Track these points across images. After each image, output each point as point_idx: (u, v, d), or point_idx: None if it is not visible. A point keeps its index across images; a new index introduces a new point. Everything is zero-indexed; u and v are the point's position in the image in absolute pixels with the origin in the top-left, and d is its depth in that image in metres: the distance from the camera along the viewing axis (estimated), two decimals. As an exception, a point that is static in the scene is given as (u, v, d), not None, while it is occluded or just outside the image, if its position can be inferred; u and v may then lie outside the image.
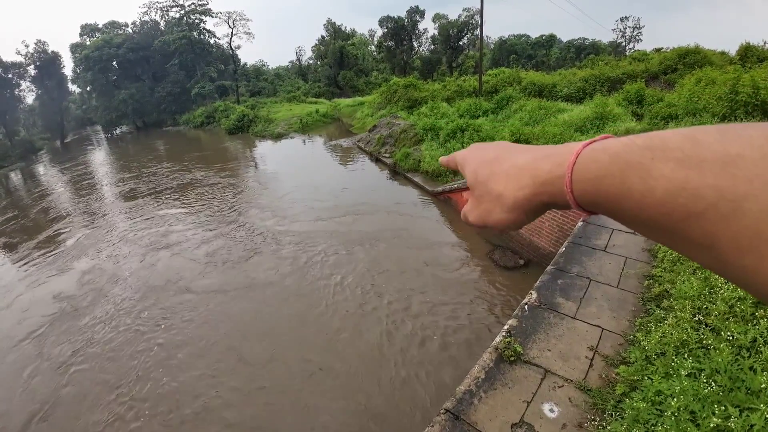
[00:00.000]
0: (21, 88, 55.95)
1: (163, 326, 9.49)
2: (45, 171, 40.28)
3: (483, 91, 23.99)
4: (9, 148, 50.29)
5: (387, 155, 20.36)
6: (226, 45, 57.15)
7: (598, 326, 5.23)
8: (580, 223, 7.69)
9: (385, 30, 62.73)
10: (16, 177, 40.24)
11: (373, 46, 70.42)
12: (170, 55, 52.51)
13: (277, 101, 45.20)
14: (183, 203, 19.11)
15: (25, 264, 14.98)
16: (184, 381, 7.63)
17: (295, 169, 22.30)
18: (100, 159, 40.07)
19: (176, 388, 7.47)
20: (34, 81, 55.83)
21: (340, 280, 10.68)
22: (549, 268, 6.77)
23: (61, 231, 18.22)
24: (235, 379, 7.52)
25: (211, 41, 55.89)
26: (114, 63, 54.17)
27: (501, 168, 0.58)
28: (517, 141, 15.01)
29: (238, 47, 77.38)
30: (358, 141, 24.73)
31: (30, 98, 60.00)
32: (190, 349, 8.56)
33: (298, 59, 76.01)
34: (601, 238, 7.45)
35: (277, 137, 30.98)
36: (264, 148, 29.45)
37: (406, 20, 61.97)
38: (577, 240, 7.48)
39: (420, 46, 67.85)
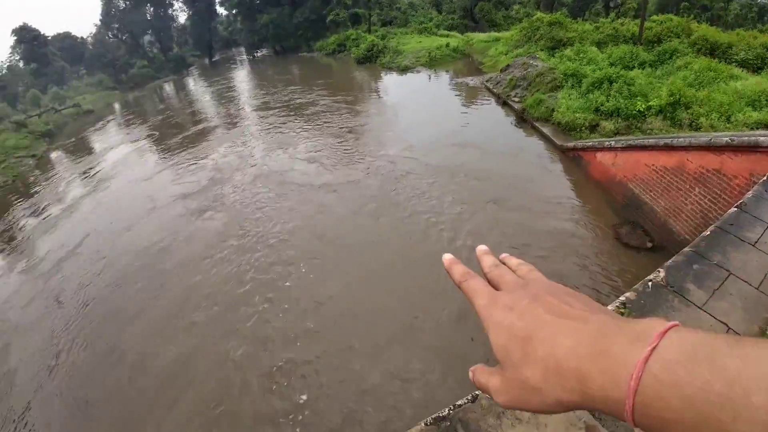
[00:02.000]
0: (174, 8, 61.28)
1: (269, 200, 12.96)
2: (194, 83, 44.88)
3: (643, 39, 20.84)
4: (163, 62, 56.32)
5: (516, 99, 18.93)
6: (364, -29, 56.17)
7: (725, 323, 4.56)
8: (733, 210, 6.59)
9: (534, -42, 56.67)
10: (169, 87, 45.62)
11: (517, -24, 64.46)
12: (310, -20, 53.06)
13: (407, 32, 43.80)
14: (305, 119, 21.40)
15: (177, 150, 20.32)
16: (275, 231, 11.14)
17: (415, 103, 21.96)
18: (241, 77, 43.71)
19: (271, 232, 11.12)
20: (186, 2, 60.33)
21: (428, 202, 11.47)
22: (686, 249, 5.95)
23: (206, 129, 23.44)
24: (305, 240, 10.51)
25: (349, -34, 55.18)
26: (257, -13, 56.18)
27: (536, 354, 0.47)
28: (676, 103, 12.90)
29: (375, -27, 75.67)
30: (486, 81, 23.25)
31: (182, 18, 65.40)
32: (284, 216, 11.81)
33: (435, -13, 72.48)
34: (754, 231, 6.33)
35: (404, 70, 30.30)
36: (389, 80, 29.22)
37: (560, -53, 55.23)
38: (726, 227, 6.43)
39: (573, -22, 60.51)
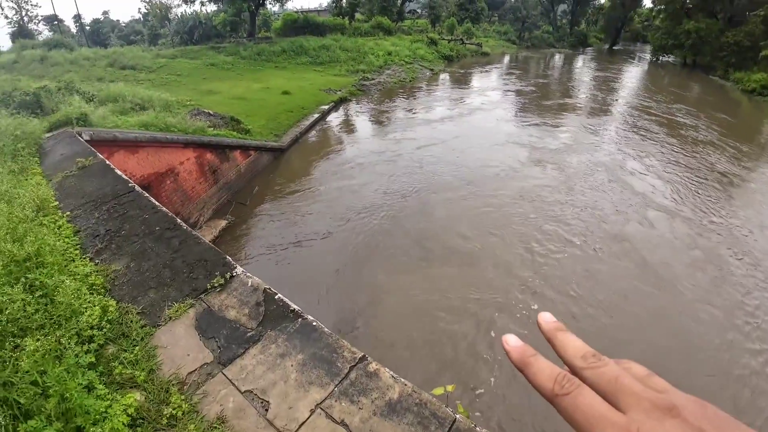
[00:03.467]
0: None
1: (599, 187, 12.98)
2: (583, 63, 44.41)
3: None
4: (566, 34, 57.07)
5: None
6: None
7: None
8: None
9: None
10: (558, 58, 46.71)
11: None
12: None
13: None
14: (677, 137, 19.12)
15: (539, 111, 22.49)
16: (589, 211, 11.58)
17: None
18: (633, 73, 41.00)
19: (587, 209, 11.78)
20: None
21: None
22: None
23: (572, 105, 24.34)
24: (600, 238, 10.35)
25: None
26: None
27: None
28: None
29: None
30: None
31: (603, -1, 63.16)
32: (602, 206, 11.80)
33: None
34: None
35: None
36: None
37: None
38: None
39: None
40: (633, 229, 10.63)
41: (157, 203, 5.34)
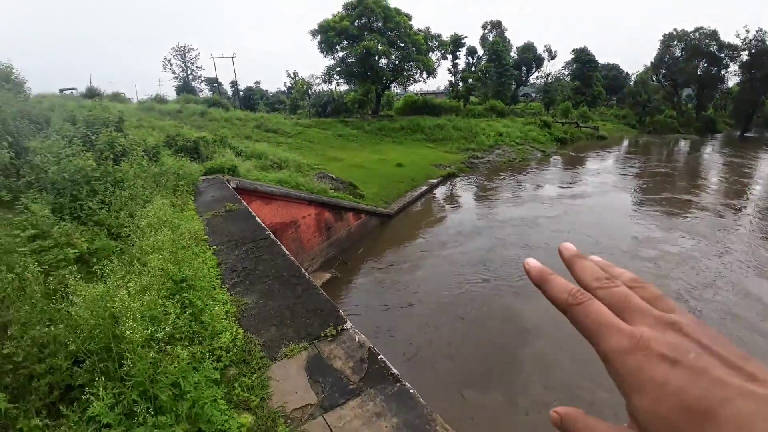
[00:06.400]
0: (728, 69, 55.84)
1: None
2: (711, 151, 40.54)
3: None
4: (692, 119, 53.51)
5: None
6: None
7: None
8: None
9: None
10: (683, 144, 43.50)
11: None
12: None
13: None
14: None
15: (655, 203, 19.57)
16: None
17: None
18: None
19: None
20: (742, 67, 53.60)
21: None
22: None
23: (695, 202, 20.06)
24: None
25: None
26: None
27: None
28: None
29: None
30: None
31: (731, 82, 58.48)
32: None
33: None
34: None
35: None
36: None
37: None
38: None
39: None
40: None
41: (287, 252, 5.94)
